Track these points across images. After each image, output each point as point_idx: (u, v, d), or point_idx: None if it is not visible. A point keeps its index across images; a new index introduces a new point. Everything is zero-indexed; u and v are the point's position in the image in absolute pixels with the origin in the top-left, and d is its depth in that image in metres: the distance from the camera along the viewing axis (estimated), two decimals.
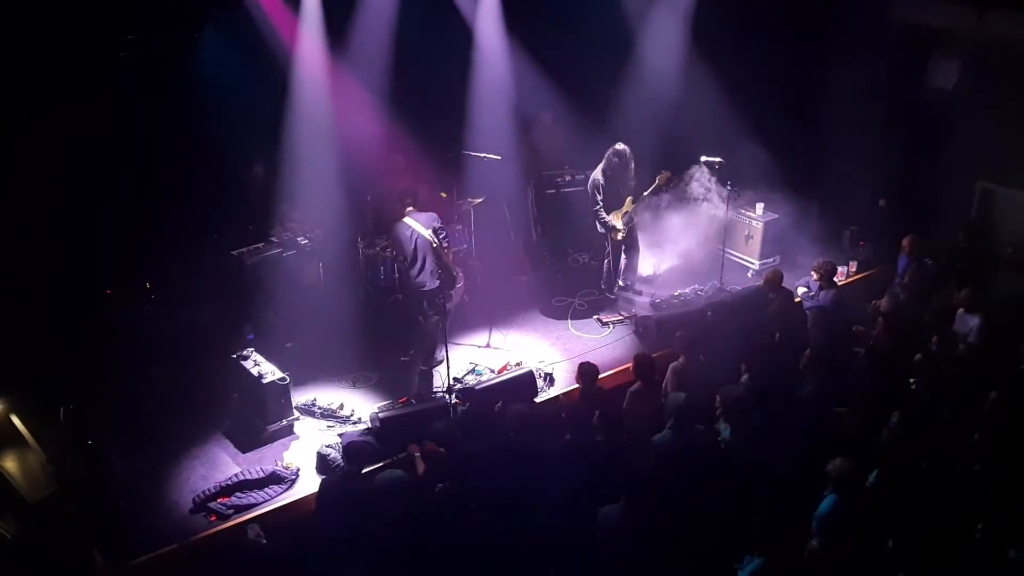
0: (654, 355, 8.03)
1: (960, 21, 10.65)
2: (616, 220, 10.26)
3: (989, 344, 8.03)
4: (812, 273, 9.19)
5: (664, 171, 10.16)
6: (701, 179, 10.50)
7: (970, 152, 10.65)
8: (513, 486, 6.50)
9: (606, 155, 10.10)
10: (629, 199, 10.21)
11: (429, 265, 8.93)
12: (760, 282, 9.48)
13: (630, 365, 8.02)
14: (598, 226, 10.38)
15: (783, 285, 9.12)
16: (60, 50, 8.58)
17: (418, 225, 8.89)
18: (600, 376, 7.91)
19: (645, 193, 10.18)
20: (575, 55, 11.64)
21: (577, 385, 8.09)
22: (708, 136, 10.44)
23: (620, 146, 10.02)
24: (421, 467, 7.06)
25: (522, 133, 11.71)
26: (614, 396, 7.86)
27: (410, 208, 8.99)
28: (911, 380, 7.49)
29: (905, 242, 9.44)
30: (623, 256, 10.61)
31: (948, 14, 10.75)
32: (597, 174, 10.20)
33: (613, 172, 10.07)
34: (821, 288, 9.06)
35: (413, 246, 8.90)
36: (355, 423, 8.45)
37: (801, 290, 9.51)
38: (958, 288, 8.59)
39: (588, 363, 7.77)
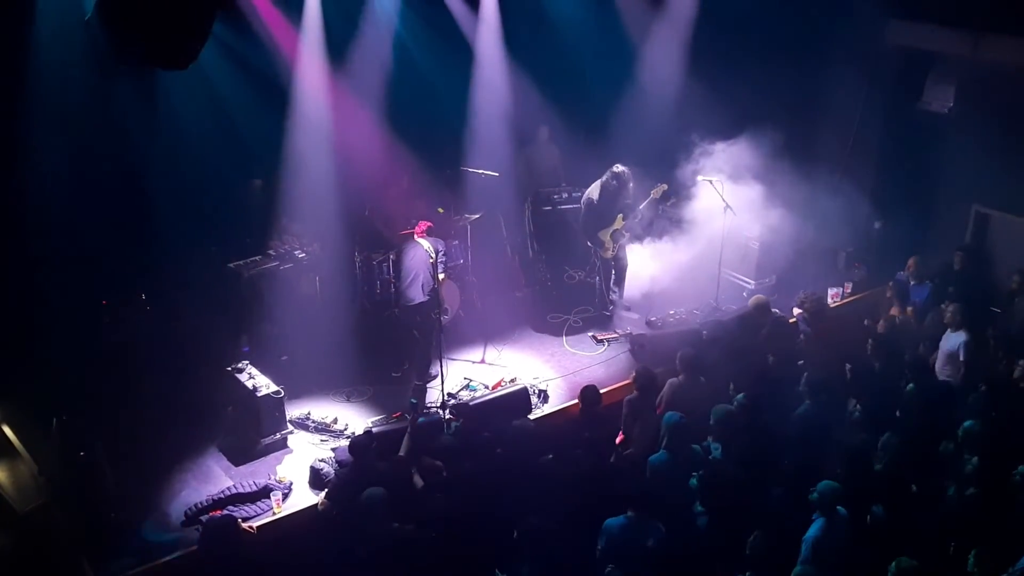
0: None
1: (955, 46, 10.73)
2: (605, 237, 10.30)
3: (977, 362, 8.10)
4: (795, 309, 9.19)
5: (660, 184, 10.22)
6: (699, 198, 10.55)
7: (965, 176, 10.71)
8: (505, 502, 6.50)
9: (605, 175, 10.15)
10: (620, 216, 10.26)
11: (420, 279, 8.98)
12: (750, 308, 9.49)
13: (626, 381, 8.01)
14: (588, 242, 10.42)
15: (773, 310, 9.13)
16: (61, 61, 8.59)
17: (425, 242, 9.05)
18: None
19: (641, 205, 10.23)
20: (574, 74, 11.72)
21: (576, 401, 8.08)
22: (704, 155, 10.48)
23: (619, 168, 10.10)
24: (420, 483, 7.06)
25: (518, 149, 11.78)
26: (608, 417, 7.84)
27: (423, 231, 9.17)
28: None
29: (911, 262, 9.51)
30: (612, 273, 10.64)
31: (943, 39, 10.83)
32: (593, 192, 10.26)
33: (609, 192, 10.14)
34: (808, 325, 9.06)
35: (411, 257, 9.01)
36: (348, 437, 8.42)
37: (797, 310, 9.52)
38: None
39: (591, 388, 7.70)
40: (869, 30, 11.33)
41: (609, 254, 10.40)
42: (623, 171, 10.07)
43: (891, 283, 9.34)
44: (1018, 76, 10.10)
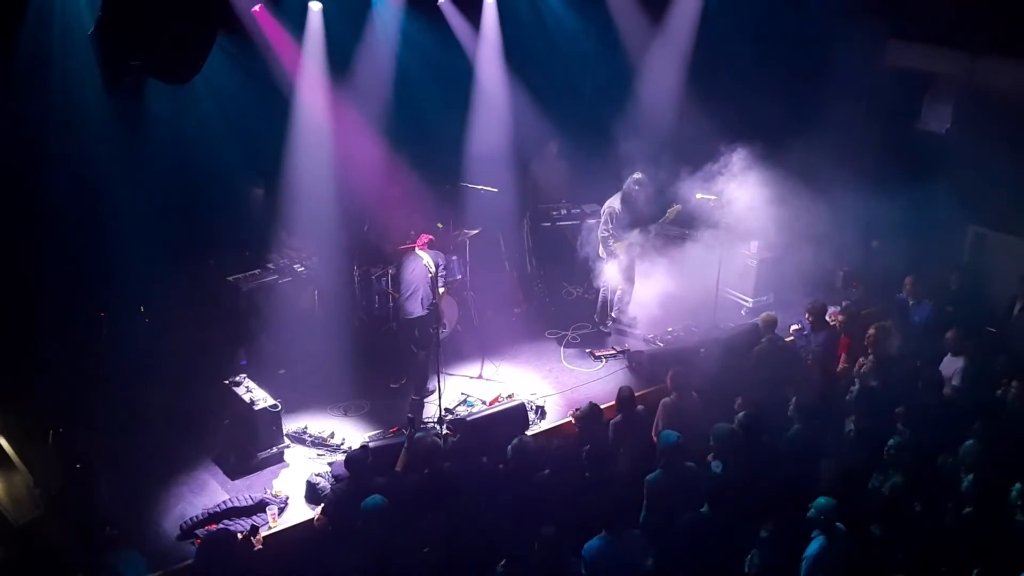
0: (647, 391, 8.05)
1: (953, 67, 10.81)
2: (620, 250, 10.32)
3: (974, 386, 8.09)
4: (806, 314, 9.24)
5: (676, 204, 10.25)
6: (696, 215, 10.58)
7: (963, 196, 10.75)
8: (501, 516, 6.50)
9: (626, 184, 10.19)
10: (636, 232, 10.28)
11: (420, 293, 9.00)
12: (754, 321, 9.50)
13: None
14: (601, 253, 10.40)
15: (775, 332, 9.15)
16: (64, 74, 8.63)
17: (426, 256, 9.06)
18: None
19: (659, 222, 10.26)
20: (574, 91, 11.77)
21: (571, 419, 8.08)
22: (703, 173, 10.52)
23: (639, 175, 10.17)
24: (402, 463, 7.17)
25: (525, 164, 11.81)
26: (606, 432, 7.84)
27: (424, 243, 9.19)
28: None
29: (907, 281, 9.54)
30: (618, 289, 10.65)
31: (941, 60, 10.91)
32: (615, 202, 10.28)
33: (632, 201, 10.15)
34: (813, 328, 9.09)
35: (411, 271, 9.03)
36: (345, 452, 8.40)
37: (794, 327, 9.54)
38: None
39: (594, 406, 7.70)
40: (868, 50, 11.41)
41: (622, 266, 10.41)
42: (643, 178, 10.13)
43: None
44: (1015, 97, 10.17)
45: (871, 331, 8.58)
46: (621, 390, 7.94)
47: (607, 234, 10.33)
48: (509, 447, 7.08)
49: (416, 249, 9.15)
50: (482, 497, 6.74)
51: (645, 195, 10.19)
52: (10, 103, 8.44)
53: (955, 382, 8.19)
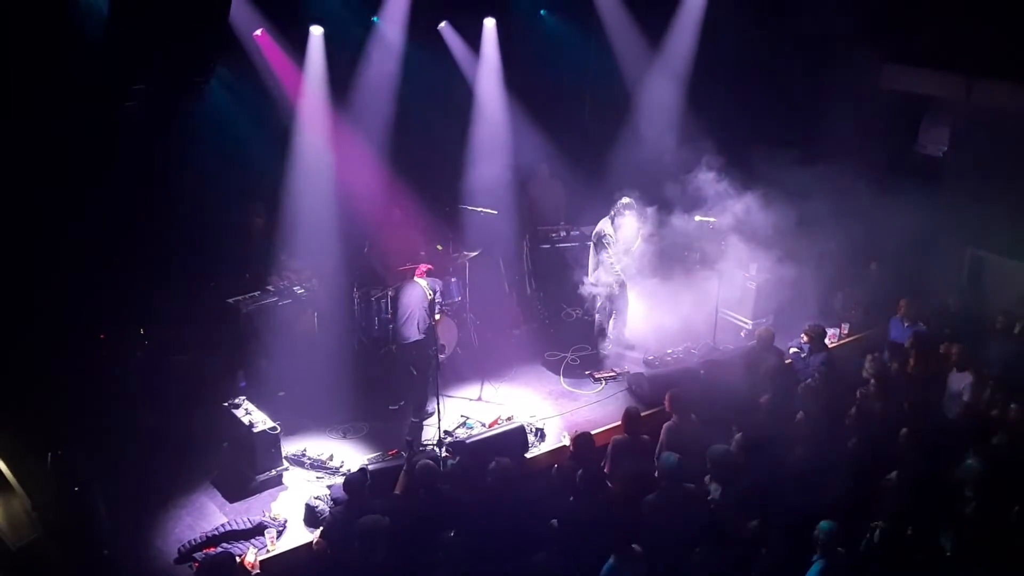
0: (646, 413, 8.04)
1: (949, 90, 10.88)
2: (611, 273, 10.33)
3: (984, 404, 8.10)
4: (803, 336, 9.26)
5: (642, 229, 10.26)
6: (695, 237, 10.61)
7: (960, 218, 10.80)
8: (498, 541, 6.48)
9: (615, 207, 10.20)
10: (626, 251, 10.30)
11: (416, 317, 9.02)
12: (753, 342, 9.51)
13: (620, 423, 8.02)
14: (602, 276, 10.37)
15: (775, 345, 9.17)
16: (66, 98, 8.67)
17: (423, 282, 9.12)
18: (592, 432, 7.87)
19: (631, 249, 10.28)
20: (573, 114, 11.82)
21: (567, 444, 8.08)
22: (701, 195, 10.57)
23: (626, 199, 10.17)
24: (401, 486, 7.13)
25: (520, 187, 11.87)
26: (601, 456, 7.82)
27: (424, 272, 9.24)
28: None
29: (902, 304, 9.56)
30: (614, 311, 10.66)
31: (937, 84, 10.99)
32: (606, 227, 10.26)
33: (620, 224, 10.18)
34: (812, 351, 9.12)
35: (407, 295, 9.08)
36: (344, 474, 8.38)
37: (792, 350, 9.54)
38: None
39: (585, 435, 7.66)
40: (865, 74, 11.48)
41: (614, 289, 10.42)
42: (631, 202, 10.15)
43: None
44: (1012, 120, 10.23)
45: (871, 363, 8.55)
46: (628, 410, 7.96)
47: (611, 258, 10.29)
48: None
49: (415, 277, 9.19)
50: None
51: (633, 215, 10.20)
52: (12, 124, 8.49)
53: (965, 398, 8.20)
